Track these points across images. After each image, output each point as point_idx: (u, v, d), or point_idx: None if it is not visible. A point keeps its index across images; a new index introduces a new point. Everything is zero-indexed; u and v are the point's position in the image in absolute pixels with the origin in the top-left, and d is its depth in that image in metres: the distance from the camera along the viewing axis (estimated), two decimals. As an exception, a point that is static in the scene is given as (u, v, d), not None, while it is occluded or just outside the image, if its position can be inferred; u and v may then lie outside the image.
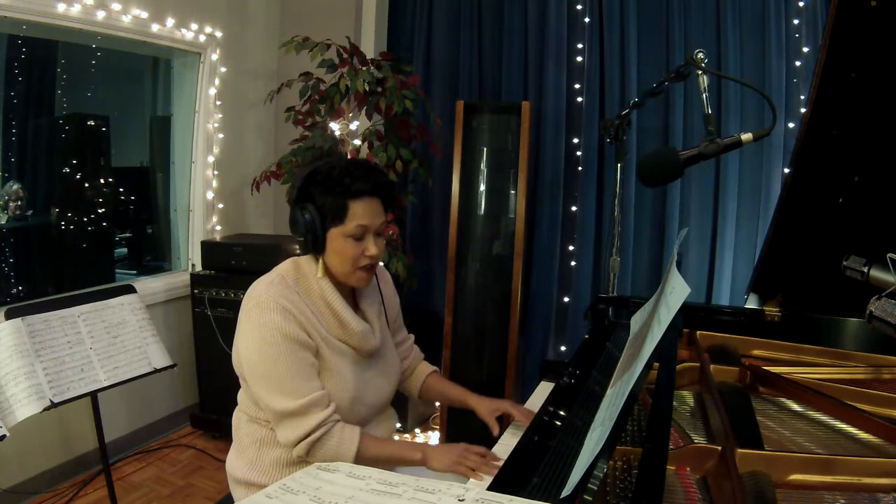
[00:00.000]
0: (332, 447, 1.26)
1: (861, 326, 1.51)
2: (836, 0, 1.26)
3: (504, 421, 1.48)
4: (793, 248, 1.58)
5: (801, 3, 2.57)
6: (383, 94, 2.63)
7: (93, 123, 3.14)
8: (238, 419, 1.43)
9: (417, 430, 3.13)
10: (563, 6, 2.94)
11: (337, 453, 1.26)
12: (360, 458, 1.27)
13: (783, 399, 1.24)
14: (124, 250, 3.49)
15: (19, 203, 2.71)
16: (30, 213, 2.94)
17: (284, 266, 1.37)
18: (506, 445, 1.32)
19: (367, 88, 2.60)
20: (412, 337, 1.66)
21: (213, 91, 3.18)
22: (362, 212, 1.27)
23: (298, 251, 1.40)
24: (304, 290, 1.32)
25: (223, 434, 2.94)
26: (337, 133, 2.75)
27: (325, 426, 1.25)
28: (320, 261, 1.33)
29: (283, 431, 1.26)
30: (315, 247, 1.30)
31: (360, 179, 1.27)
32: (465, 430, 2.59)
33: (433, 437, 3.06)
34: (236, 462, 1.39)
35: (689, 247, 2.80)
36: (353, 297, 1.42)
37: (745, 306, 1.72)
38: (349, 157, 2.24)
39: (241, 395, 1.42)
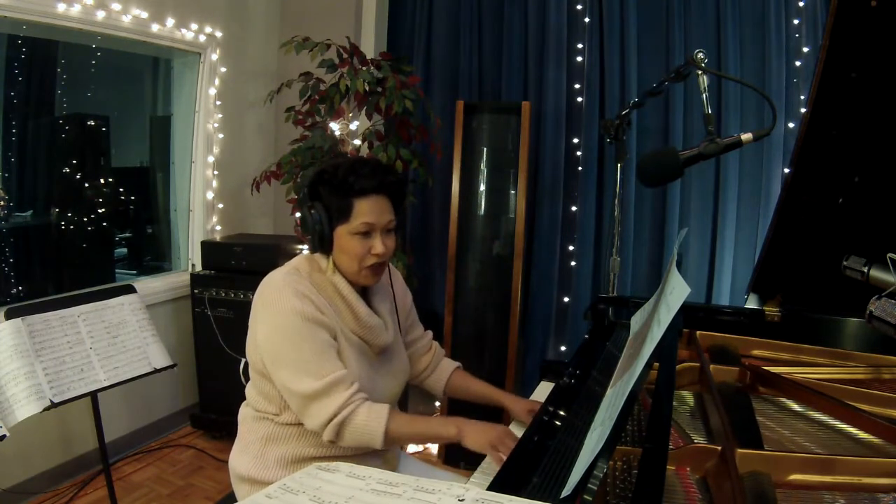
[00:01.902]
0: (361, 425, 1.25)
1: (861, 326, 1.51)
2: (836, 0, 1.26)
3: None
4: (793, 248, 1.58)
5: (801, 3, 2.57)
6: (383, 94, 2.63)
7: (93, 123, 3.14)
8: (244, 414, 1.44)
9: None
10: (563, 6, 2.94)
11: (366, 431, 1.25)
12: (390, 436, 1.26)
13: (783, 399, 1.24)
14: (124, 250, 3.49)
15: (3, 203, 2.70)
16: (30, 213, 2.94)
17: (298, 260, 1.39)
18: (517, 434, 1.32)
19: (367, 88, 2.60)
20: (430, 333, 1.65)
21: (213, 91, 3.18)
22: (368, 209, 1.29)
23: (299, 250, 1.41)
24: (318, 283, 1.33)
25: (223, 434, 2.94)
26: (337, 133, 2.75)
27: (350, 404, 1.25)
28: (330, 259, 1.34)
29: (309, 417, 1.26)
30: (323, 245, 1.32)
31: (365, 177, 1.28)
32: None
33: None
34: (240, 458, 1.39)
35: (689, 247, 2.80)
36: (364, 294, 1.42)
37: (745, 306, 1.72)
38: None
39: (249, 390, 1.42)
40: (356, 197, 1.28)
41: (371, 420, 1.25)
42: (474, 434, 1.24)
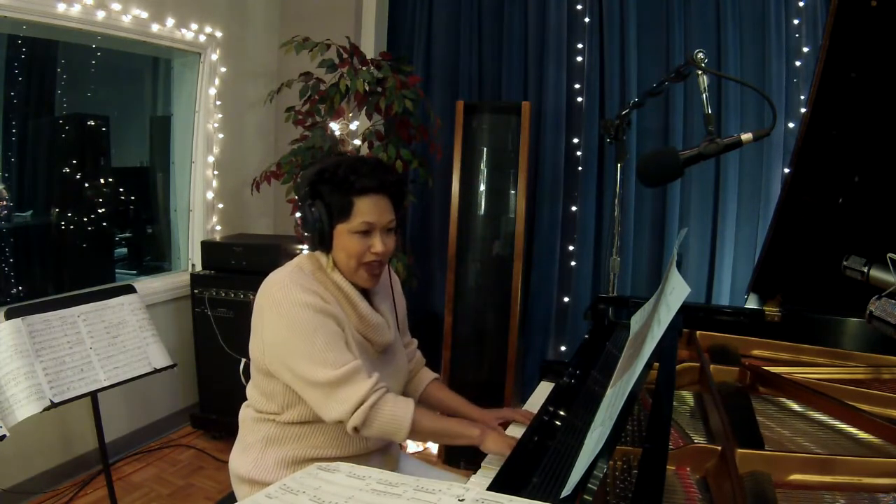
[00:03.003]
0: (388, 413, 1.25)
1: (861, 326, 1.51)
2: (836, 0, 1.26)
3: (504, 427, 1.48)
4: (793, 248, 1.58)
5: (801, 3, 2.57)
6: (383, 94, 2.63)
7: (93, 123, 3.14)
8: (244, 416, 1.43)
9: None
10: (563, 6, 2.94)
11: (393, 420, 1.25)
12: (416, 429, 1.27)
13: (783, 399, 1.24)
14: (124, 250, 3.49)
15: (4, 203, 2.70)
16: (30, 213, 2.94)
17: (300, 259, 1.38)
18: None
19: (367, 88, 2.60)
20: (415, 342, 1.66)
21: (213, 91, 3.18)
22: (367, 209, 1.29)
23: (299, 250, 1.40)
24: (321, 282, 1.33)
25: (223, 434, 2.94)
26: (337, 133, 2.75)
27: (378, 391, 1.25)
28: (330, 257, 1.35)
29: (333, 406, 1.24)
30: (323, 243, 1.32)
31: (366, 176, 1.28)
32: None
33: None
34: (240, 460, 1.39)
35: (689, 247, 2.80)
36: (365, 293, 1.42)
37: (745, 306, 1.72)
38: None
39: (250, 390, 1.42)
40: (357, 196, 1.28)
41: (398, 409, 1.26)
42: (494, 438, 1.26)
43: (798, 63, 2.60)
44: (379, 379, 1.28)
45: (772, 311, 1.63)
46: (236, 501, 1.47)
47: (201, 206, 3.22)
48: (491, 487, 0.93)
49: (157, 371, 2.07)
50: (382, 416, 1.25)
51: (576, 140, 2.99)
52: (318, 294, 1.28)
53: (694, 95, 2.71)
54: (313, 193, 1.31)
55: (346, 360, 1.25)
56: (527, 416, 1.43)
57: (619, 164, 1.96)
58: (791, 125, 2.61)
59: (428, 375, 1.64)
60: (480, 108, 2.86)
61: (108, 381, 1.93)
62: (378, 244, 1.31)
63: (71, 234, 3.05)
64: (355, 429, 1.25)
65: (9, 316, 1.80)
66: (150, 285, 2.94)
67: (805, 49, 2.59)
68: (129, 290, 2.15)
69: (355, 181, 1.27)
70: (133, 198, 3.40)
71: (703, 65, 1.44)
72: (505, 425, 1.47)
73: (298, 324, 1.24)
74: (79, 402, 1.89)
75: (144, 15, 2.73)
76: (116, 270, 3.36)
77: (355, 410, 1.23)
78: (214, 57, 3.15)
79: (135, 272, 3.38)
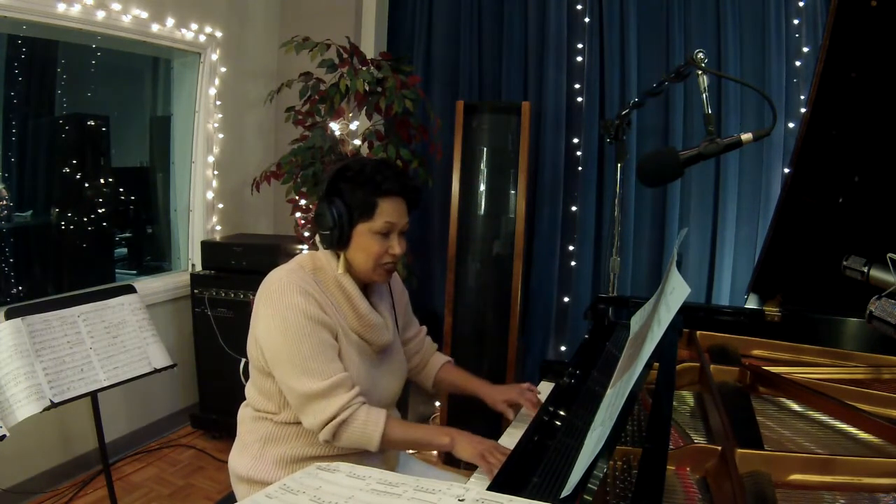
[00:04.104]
0: (358, 429, 1.26)
1: (861, 326, 1.51)
2: (836, 0, 1.26)
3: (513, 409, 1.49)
4: (793, 248, 1.58)
5: (801, 3, 2.57)
6: (383, 94, 2.63)
7: (93, 123, 3.14)
8: (243, 415, 1.44)
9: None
10: (563, 6, 2.94)
11: (363, 435, 1.27)
12: (386, 441, 1.28)
13: (783, 399, 1.24)
14: (124, 250, 3.49)
15: (4, 203, 2.70)
16: (30, 213, 2.94)
17: (302, 258, 1.39)
18: (511, 439, 1.32)
19: (367, 88, 2.60)
20: (424, 329, 1.67)
21: (213, 91, 3.18)
22: (391, 210, 1.31)
23: (299, 250, 1.41)
24: (322, 281, 1.34)
25: (223, 434, 2.94)
26: (337, 133, 2.75)
27: (349, 408, 1.26)
28: (342, 256, 1.35)
29: (308, 416, 1.27)
30: (341, 241, 1.33)
31: (391, 179, 1.31)
32: (465, 429, 2.58)
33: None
34: (239, 459, 1.40)
35: (689, 247, 2.80)
36: (364, 293, 1.43)
37: (745, 306, 1.72)
38: (350, 157, 2.24)
39: (248, 390, 1.42)
40: (381, 196, 1.30)
41: (369, 424, 1.27)
42: (465, 444, 1.27)
43: (798, 63, 2.60)
44: (357, 394, 1.28)
45: (772, 311, 1.63)
46: (236, 501, 1.47)
47: (201, 206, 3.22)
48: (491, 487, 0.93)
49: (157, 371, 2.07)
50: (352, 433, 1.26)
51: (576, 140, 2.99)
52: (315, 298, 1.28)
53: (694, 95, 2.71)
54: (334, 190, 1.32)
55: (330, 371, 1.26)
56: (533, 403, 1.45)
57: (619, 164, 1.96)
58: (791, 125, 2.61)
59: (440, 359, 1.65)
60: (480, 108, 2.86)
61: (108, 381, 1.93)
62: (396, 246, 1.33)
63: (71, 234, 3.05)
64: (327, 440, 1.27)
65: (9, 316, 1.80)
66: (150, 285, 2.94)
67: (805, 49, 2.59)
68: (129, 290, 2.15)
69: (382, 182, 1.30)
70: (133, 198, 3.40)
71: (703, 65, 1.44)
72: (516, 407, 1.48)
73: (288, 327, 1.25)
74: (79, 402, 1.88)
75: (144, 15, 2.73)
76: (116, 270, 3.36)
77: (325, 425, 1.25)
78: (214, 57, 3.15)
79: (135, 272, 3.38)
